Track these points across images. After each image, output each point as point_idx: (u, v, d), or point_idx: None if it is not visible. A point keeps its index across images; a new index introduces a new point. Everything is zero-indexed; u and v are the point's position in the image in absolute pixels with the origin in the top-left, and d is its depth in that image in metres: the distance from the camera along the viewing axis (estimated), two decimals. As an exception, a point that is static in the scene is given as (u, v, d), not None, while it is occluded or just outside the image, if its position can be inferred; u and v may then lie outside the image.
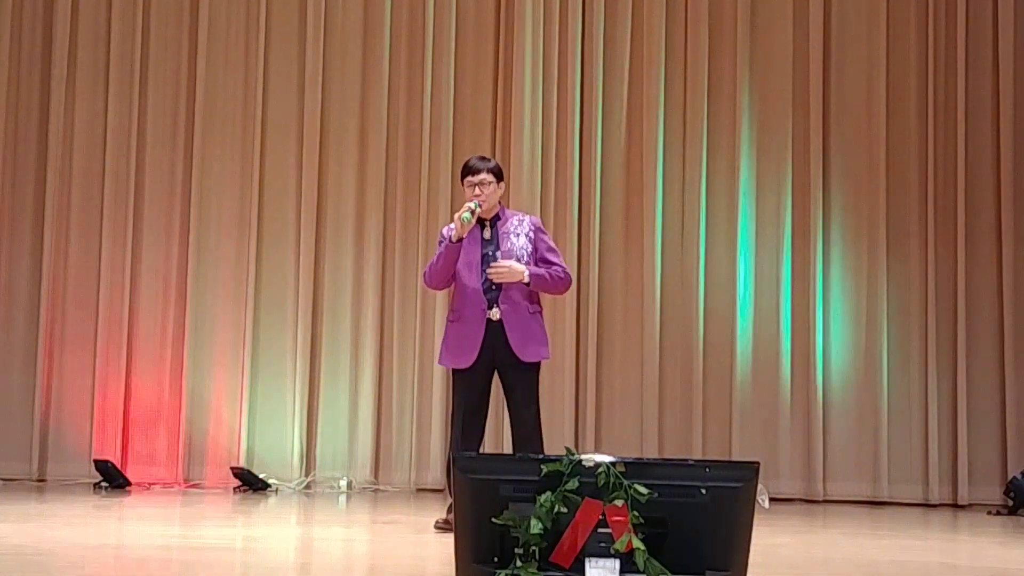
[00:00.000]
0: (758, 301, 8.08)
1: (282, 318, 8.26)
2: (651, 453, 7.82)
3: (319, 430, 8.18)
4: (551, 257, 5.46)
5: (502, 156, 8.18)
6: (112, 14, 8.43)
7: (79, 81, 8.43)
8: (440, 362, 5.65)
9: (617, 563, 3.47)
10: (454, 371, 5.47)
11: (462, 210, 5.33)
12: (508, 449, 6.21)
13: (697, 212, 8.12)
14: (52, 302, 8.28)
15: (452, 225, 5.45)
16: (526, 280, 5.33)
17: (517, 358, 5.32)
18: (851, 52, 8.17)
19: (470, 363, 5.34)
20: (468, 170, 5.48)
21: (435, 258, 5.50)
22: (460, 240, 5.37)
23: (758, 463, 3.64)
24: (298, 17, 8.42)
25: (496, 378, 5.47)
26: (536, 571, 3.48)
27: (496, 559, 3.54)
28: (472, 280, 5.37)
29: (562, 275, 5.45)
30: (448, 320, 5.55)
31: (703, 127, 8.16)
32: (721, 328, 8.07)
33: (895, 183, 8.04)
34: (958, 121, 7.96)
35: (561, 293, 5.73)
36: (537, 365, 5.42)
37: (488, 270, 5.32)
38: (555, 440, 7.68)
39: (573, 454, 3.57)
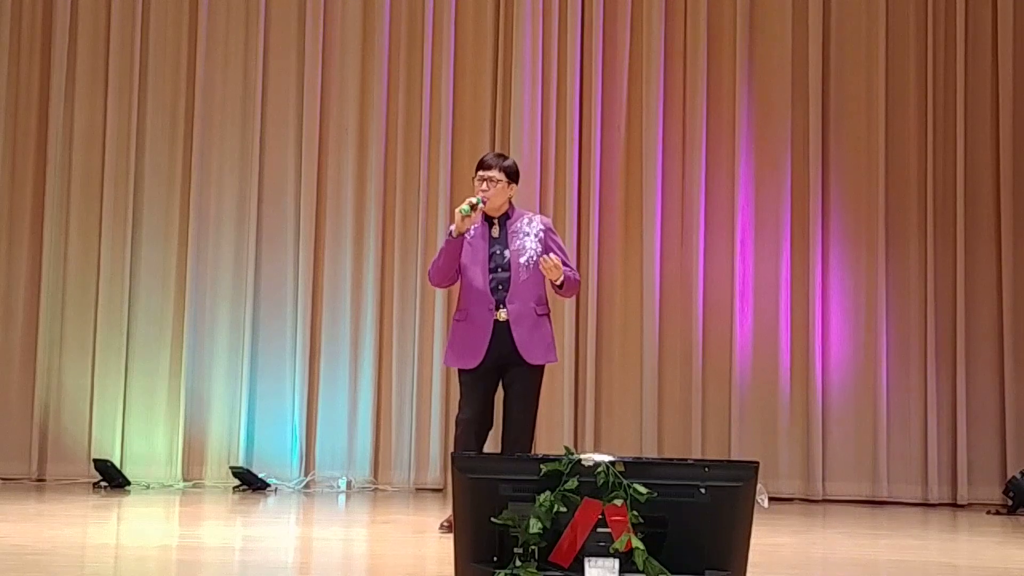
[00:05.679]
0: (758, 301, 8.08)
1: (281, 318, 8.25)
2: (650, 453, 7.82)
3: (318, 430, 8.17)
4: (564, 259, 5.37)
5: (501, 156, 8.17)
6: (112, 14, 8.43)
7: (79, 81, 8.43)
8: (445, 362, 5.57)
9: (616, 563, 3.47)
10: (460, 371, 5.39)
11: (463, 204, 5.28)
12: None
13: (697, 212, 8.12)
14: (52, 302, 8.28)
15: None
16: (560, 282, 5.25)
17: (523, 359, 5.26)
18: (851, 52, 8.17)
19: (475, 364, 5.26)
20: (481, 164, 5.42)
21: (437, 255, 5.45)
22: (460, 235, 5.30)
23: (757, 463, 3.64)
24: (297, 17, 8.41)
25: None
26: (535, 571, 3.48)
27: (495, 559, 3.55)
28: (479, 279, 5.30)
29: (576, 279, 5.41)
30: (455, 319, 5.47)
31: (702, 127, 8.15)
32: (720, 328, 8.07)
33: (894, 183, 8.04)
34: (958, 121, 7.95)
35: (570, 296, 5.69)
36: (542, 368, 5.35)
37: (542, 259, 5.19)
38: (555, 440, 7.69)
39: (572, 453, 3.57)
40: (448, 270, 5.38)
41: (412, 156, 8.31)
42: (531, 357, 5.27)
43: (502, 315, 5.26)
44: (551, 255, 5.24)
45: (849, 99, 8.14)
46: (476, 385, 5.32)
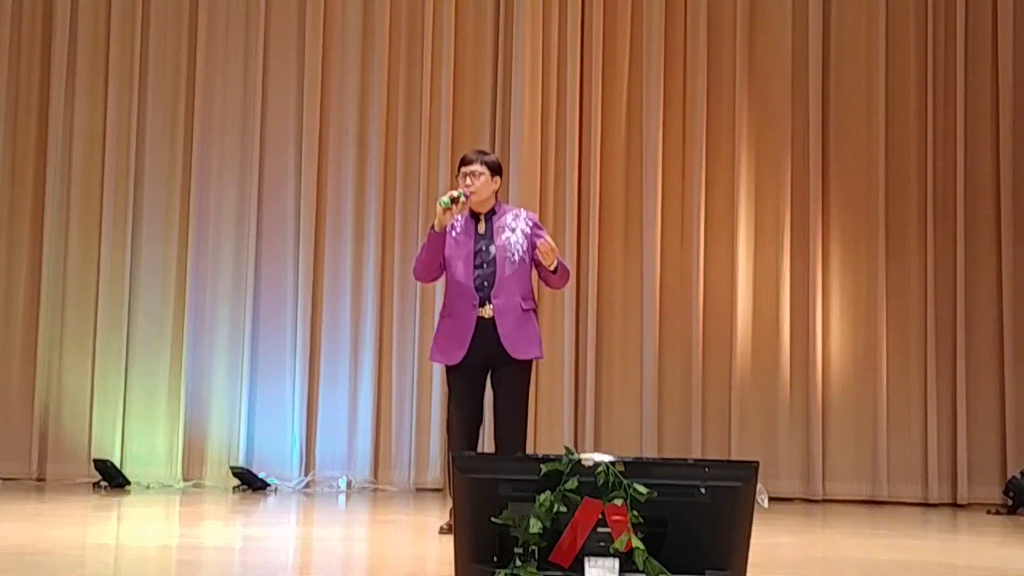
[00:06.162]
0: (758, 301, 8.09)
1: (281, 317, 8.25)
2: (650, 452, 7.82)
3: (318, 429, 8.18)
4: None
5: (501, 156, 8.17)
6: (112, 14, 8.43)
7: (79, 81, 8.43)
8: (431, 358, 5.54)
9: (616, 562, 3.47)
10: (447, 369, 5.36)
11: (443, 196, 5.26)
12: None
13: (697, 212, 8.12)
14: (52, 302, 8.28)
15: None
16: (554, 267, 5.23)
17: (508, 355, 5.21)
18: (851, 52, 8.17)
19: (458, 360, 5.22)
20: (463, 161, 5.41)
21: (420, 250, 5.43)
22: (443, 229, 5.28)
23: (757, 462, 3.63)
24: (297, 17, 8.41)
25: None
26: (535, 571, 3.48)
27: (495, 559, 3.54)
28: (463, 275, 5.26)
29: (568, 269, 5.42)
30: (440, 316, 5.45)
31: (702, 127, 8.16)
32: (720, 328, 8.07)
33: (895, 183, 8.05)
34: (957, 121, 7.96)
35: (562, 287, 5.69)
36: (529, 364, 5.30)
37: (539, 243, 5.19)
38: (554, 439, 7.70)
39: (572, 453, 3.57)
40: (431, 264, 5.35)
41: (412, 156, 8.32)
42: (517, 352, 5.21)
43: (487, 311, 5.22)
44: (548, 239, 5.24)
45: (849, 99, 8.14)
46: (463, 382, 5.28)
